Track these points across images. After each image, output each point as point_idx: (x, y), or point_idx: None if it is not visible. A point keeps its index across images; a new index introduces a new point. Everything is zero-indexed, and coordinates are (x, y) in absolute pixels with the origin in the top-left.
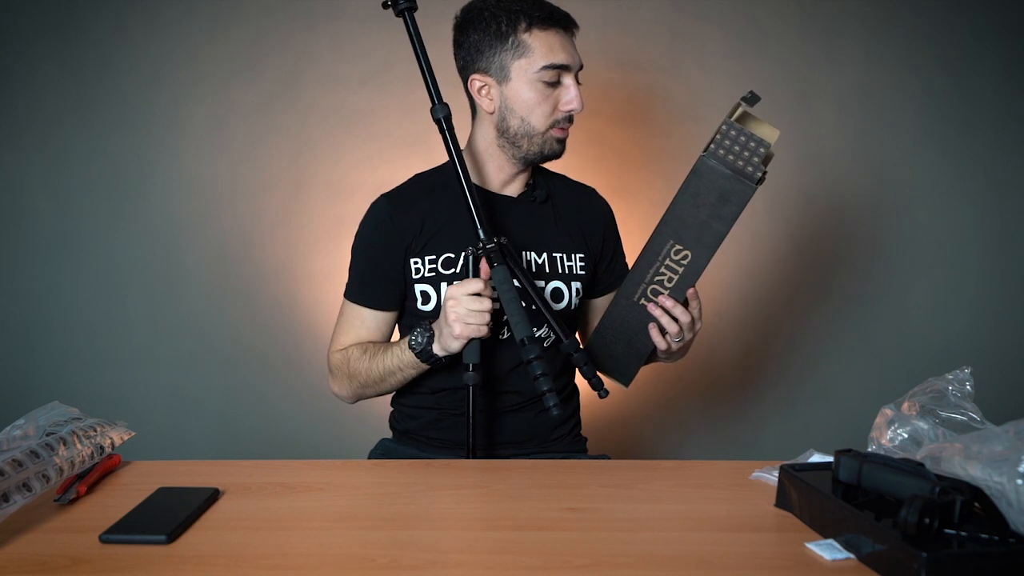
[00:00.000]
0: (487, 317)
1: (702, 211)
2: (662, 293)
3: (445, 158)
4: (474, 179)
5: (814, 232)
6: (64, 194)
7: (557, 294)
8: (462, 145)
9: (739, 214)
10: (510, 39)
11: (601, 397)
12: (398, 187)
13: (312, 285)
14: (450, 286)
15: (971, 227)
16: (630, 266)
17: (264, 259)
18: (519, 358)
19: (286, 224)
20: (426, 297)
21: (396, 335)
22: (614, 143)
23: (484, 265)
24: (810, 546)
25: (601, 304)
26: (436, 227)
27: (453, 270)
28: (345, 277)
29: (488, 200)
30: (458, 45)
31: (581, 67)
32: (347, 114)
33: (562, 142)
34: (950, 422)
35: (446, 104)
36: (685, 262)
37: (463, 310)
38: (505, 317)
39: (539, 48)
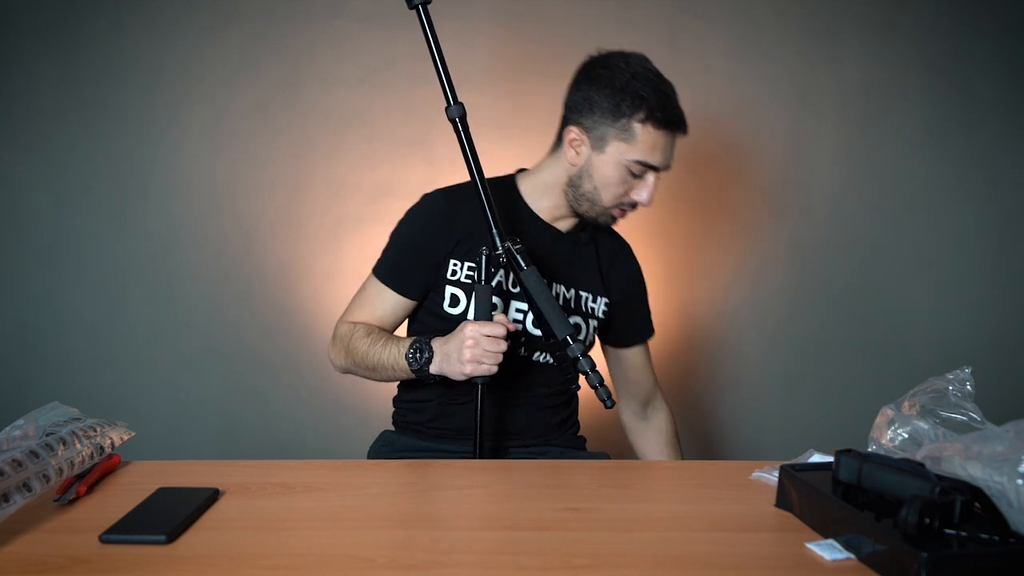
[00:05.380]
0: (500, 359)
1: None
2: None
3: (447, 158)
4: (529, 203)
5: (814, 232)
6: (64, 194)
7: (576, 329)
8: (531, 166)
9: None
10: (622, 120)
11: (607, 407)
12: (454, 186)
13: (312, 285)
14: (470, 324)
15: (971, 227)
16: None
17: (264, 259)
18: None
19: (286, 224)
20: (455, 300)
21: (404, 326)
22: None
23: (501, 317)
24: (810, 546)
25: (629, 356)
26: (483, 237)
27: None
28: (345, 277)
29: (539, 227)
30: (575, 87)
31: (668, 168)
32: (347, 113)
33: (615, 219)
34: (950, 422)
35: (461, 104)
36: None
37: (480, 351)
38: (524, 327)
39: (643, 143)
